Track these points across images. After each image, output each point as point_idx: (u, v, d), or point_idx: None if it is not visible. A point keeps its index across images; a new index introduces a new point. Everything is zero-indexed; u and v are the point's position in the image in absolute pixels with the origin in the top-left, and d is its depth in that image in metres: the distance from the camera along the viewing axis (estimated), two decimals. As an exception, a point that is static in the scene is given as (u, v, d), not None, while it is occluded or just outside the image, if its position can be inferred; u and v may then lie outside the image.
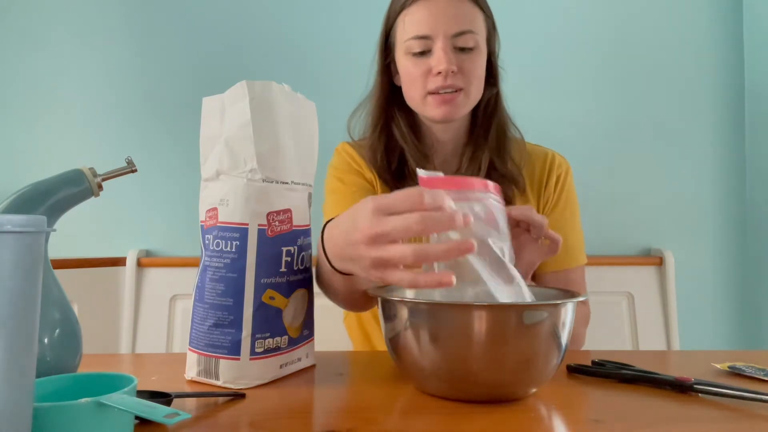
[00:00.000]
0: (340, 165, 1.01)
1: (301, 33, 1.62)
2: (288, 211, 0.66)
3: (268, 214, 0.64)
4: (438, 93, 0.88)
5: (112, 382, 0.47)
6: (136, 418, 0.47)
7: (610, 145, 1.64)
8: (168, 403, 0.54)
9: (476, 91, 0.92)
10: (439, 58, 0.86)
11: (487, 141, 0.96)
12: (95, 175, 0.63)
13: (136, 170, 0.66)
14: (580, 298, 0.58)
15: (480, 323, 0.54)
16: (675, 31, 1.66)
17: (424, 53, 0.88)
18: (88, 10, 1.59)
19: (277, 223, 0.65)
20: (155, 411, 0.41)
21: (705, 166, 1.66)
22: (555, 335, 0.56)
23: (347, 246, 0.57)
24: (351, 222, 0.56)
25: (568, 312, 0.57)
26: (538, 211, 0.83)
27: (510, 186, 0.95)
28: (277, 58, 1.61)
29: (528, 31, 1.62)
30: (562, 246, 0.76)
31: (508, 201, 0.84)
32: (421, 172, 0.58)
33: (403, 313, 0.58)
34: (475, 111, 0.97)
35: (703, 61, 1.66)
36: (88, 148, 1.58)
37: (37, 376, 0.42)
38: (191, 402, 0.58)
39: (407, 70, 0.91)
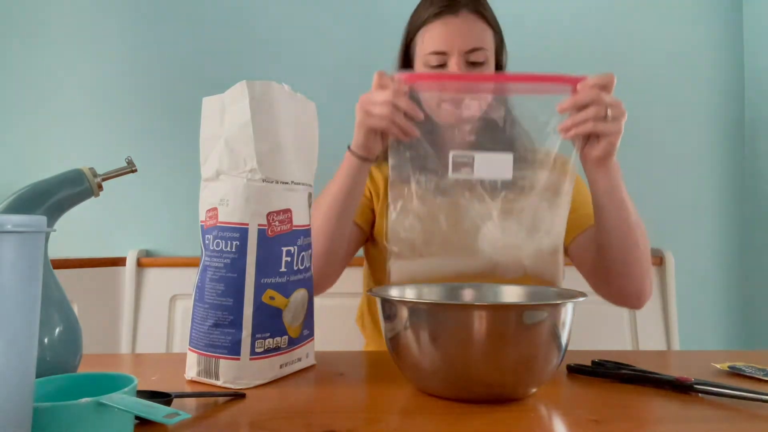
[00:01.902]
0: None
1: (301, 33, 1.61)
2: (288, 211, 0.66)
3: (268, 214, 0.64)
4: None
5: (112, 382, 0.47)
6: (136, 418, 0.47)
7: (610, 145, 1.63)
8: (168, 403, 0.54)
9: (485, 101, 0.97)
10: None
11: None
12: (95, 175, 0.63)
13: (136, 170, 0.66)
14: (580, 299, 0.58)
15: (480, 323, 0.54)
16: (675, 31, 1.65)
17: (441, 66, 0.97)
18: (88, 10, 1.59)
19: (277, 223, 0.65)
20: (155, 411, 0.41)
21: (705, 166, 1.66)
22: (555, 335, 0.56)
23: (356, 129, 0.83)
24: None
25: (568, 312, 0.57)
26: None
27: None
28: (277, 58, 1.61)
29: (528, 32, 1.62)
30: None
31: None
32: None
33: (403, 313, 0.58)
34: None
35: (702, 61, 1.66)
36: (88, 148, 1.58)
37: (37, 376, 0.42)
38: (191, 402, 0.58)
39: None
